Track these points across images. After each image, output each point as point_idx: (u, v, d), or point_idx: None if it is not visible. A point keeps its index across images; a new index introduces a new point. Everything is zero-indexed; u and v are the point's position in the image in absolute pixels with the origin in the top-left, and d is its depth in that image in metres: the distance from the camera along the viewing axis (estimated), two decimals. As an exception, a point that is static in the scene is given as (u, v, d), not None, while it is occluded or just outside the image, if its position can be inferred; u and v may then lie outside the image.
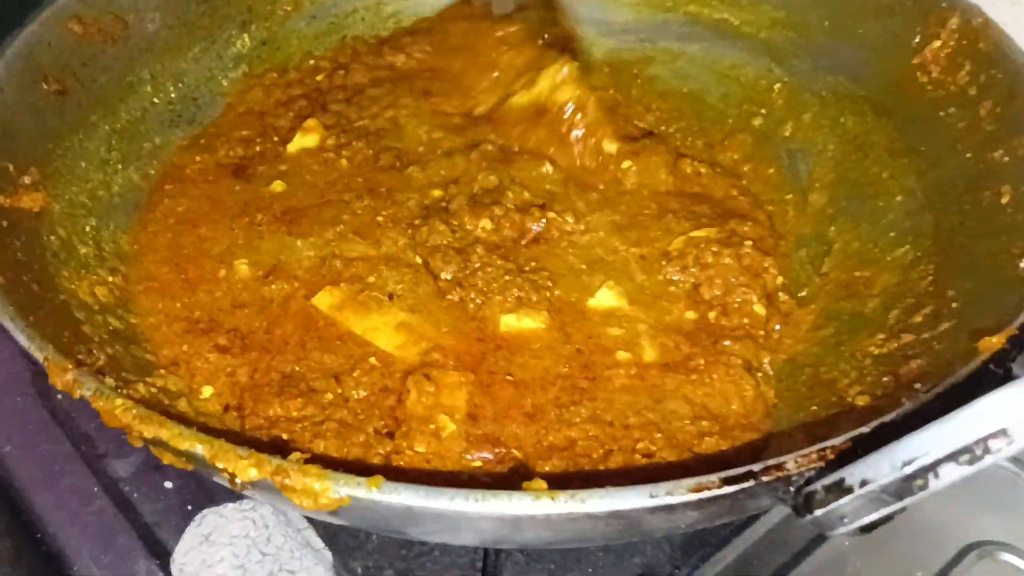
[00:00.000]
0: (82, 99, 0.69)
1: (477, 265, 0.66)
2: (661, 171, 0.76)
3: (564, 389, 0.60)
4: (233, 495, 0.63)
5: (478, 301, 0.64)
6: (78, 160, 0.68)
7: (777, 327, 0.65)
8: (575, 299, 0.65)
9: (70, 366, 0.46)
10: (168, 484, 0.66)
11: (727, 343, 0.63)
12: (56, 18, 0.68)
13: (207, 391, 0.61)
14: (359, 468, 0.51)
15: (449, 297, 0.65)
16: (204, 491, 0.65)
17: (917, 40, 0.70)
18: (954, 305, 0.59)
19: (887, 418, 0.45)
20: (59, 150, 0.66)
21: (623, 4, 0.86)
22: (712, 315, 0.65)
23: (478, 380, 0.59)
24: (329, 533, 0.62)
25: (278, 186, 0.74)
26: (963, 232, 0.62)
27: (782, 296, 0.68)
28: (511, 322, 0.63)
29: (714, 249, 0.67)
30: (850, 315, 0.65)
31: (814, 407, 0.59)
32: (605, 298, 0.65)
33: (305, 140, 0.77)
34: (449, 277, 0.66)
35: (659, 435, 0.56)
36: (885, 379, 0.58)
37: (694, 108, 0.84)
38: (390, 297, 0.65)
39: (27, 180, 0.62)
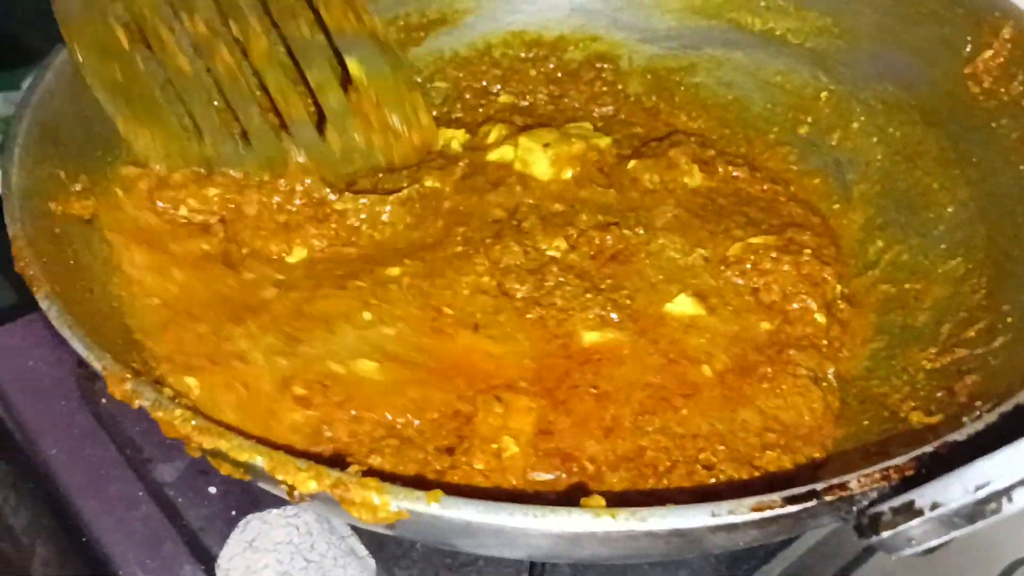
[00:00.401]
0: (131, 105, 0.69)
1: (552, 284, 0.66)
2: (685, 172, 0.76)
3: (650, 398, 0.60)
4: (277, 501, 0.63)
5: (560, 319, 0.64)
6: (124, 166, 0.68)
7: (836, 337, 0.65)
8: (653, 311, 0.65)
9: (128, 376, 0.46)
10: (213, 490, 0.67)
11: (792, 352, 0.63)
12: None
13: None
14: (416, 482, 0.51)
15: (529, 316, 0.65)
16: (249, 497, 0.65)
17: (968, 49, 0.69)
18: (1009, 320, 0.58)
19: (951, 438, 0.44)
20: (108, 157, 0.67)
21: (666, 11, 0.85)
22: (777, 322, 0.65)
23: (552, 401, 0.59)
24: (374, 541, 0.62)
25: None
26: (1017, 245, 0.62)
27: (841, 305, 0.67)
28: (594, 337, 0.63)
29: (773, 255, 0.67)
30: (901, 328, 0.64)
31: (866, 421, 0.59)
32: (684, 305, 0.65)
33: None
34: (524, 296, 0.66)
35: (722, 447, 0.56)
36: (939, 394, 0.57)
37: (738, 116, 0.83)
38: (475, 328, 0.65)
39: (78, 187, 0.62)
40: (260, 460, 0.43)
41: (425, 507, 0.41)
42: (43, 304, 0.50)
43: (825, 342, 0.64)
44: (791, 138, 0.81)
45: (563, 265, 0.68)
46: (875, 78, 0.76)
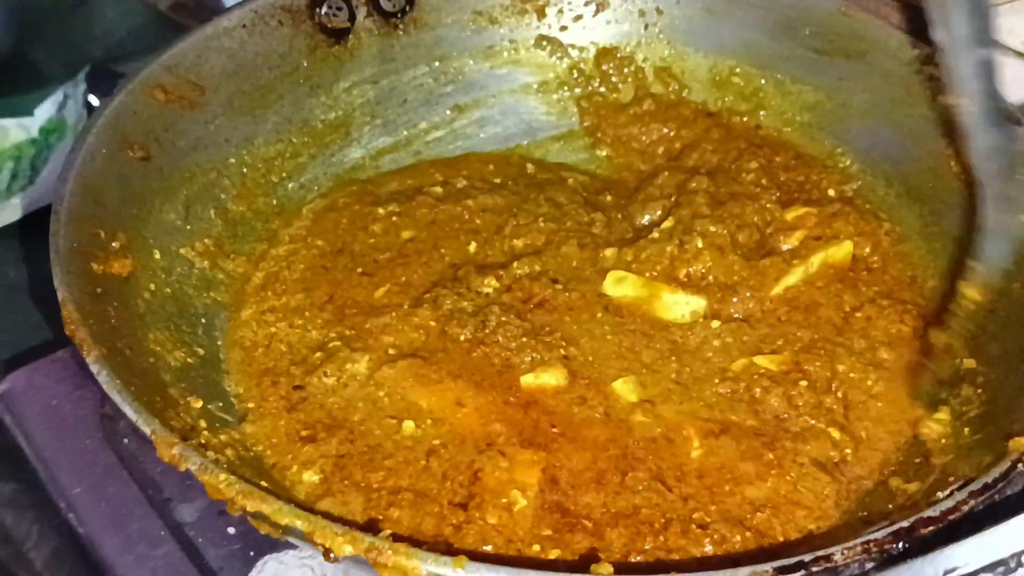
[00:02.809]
0: (163, 164, 0.73)
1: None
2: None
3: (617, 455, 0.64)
4: (293, 544, 0.66)
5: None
6: (159, 223, 0.71)
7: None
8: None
9: (176, 441, 0.49)
10: (232, 530, 0.69)
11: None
12: (143, 87, 0.73)
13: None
14: (439, 543, 0.55)
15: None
16: (266, 538, 0.67)
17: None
18: (980, 391, 0.63)
19: (926, 514, 0.49)
20: (142, 214, 0.70)
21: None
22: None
23: (550, 458, 0.63)
24: (386, 584, 0.66)
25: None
26: (993, 320, 0.66)
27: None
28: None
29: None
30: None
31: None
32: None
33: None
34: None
35: (713, 507, 0.60)
36: (916, 460, 0.62)
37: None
38: None
39: (116, 245, 0.66)
40: (299, 524, 0.47)
41: (451, 572, 0.45)
42: (93, 368, 0.53)
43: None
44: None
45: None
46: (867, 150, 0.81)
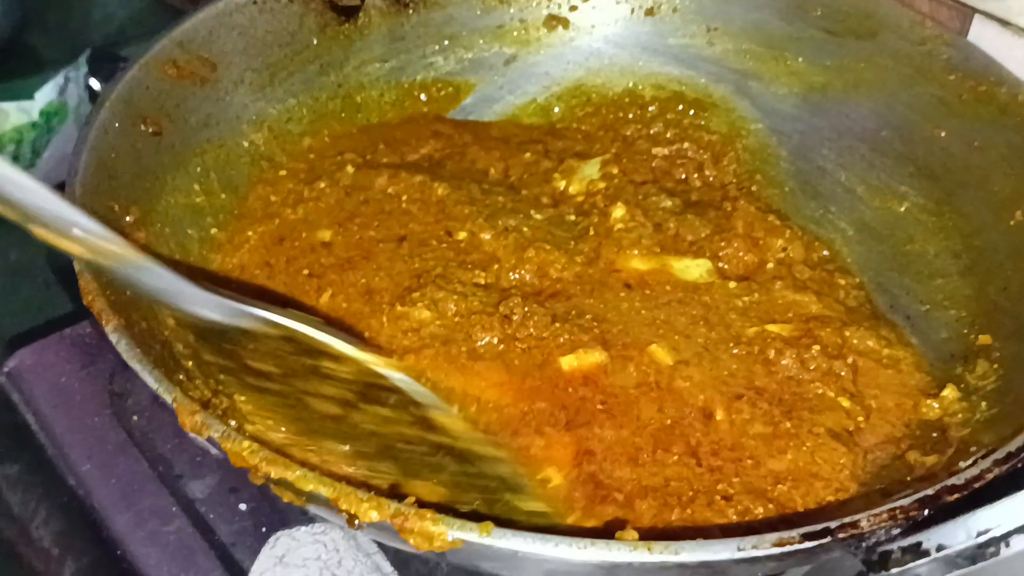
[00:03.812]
0: (175, 139, 0.73)
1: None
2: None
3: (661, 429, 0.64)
4: (305, 518, 0.66)
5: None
6: (172, 199, 0.71)
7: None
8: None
9: (198, 408, 0.49)
10: (243, 506, 0.69)
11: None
12: (155, 61, 0.72)
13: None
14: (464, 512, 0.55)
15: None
16: (277, 513, 0.68)
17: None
18: (996, 366, 0.63)
19: (950, 482, 0.49)
20: (155, 190, 0.70)
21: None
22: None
23: (588, 433, 0.63)
24: (399, 558, 0.65)
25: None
26: (1006, 297, 0.67)
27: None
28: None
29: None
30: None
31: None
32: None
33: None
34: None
35: (736, 480, 0.60)
36: (934, 435, 0.62)
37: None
38: None
39: (129, 219, 0.66)
40: (324, 490, 0.47)
41: (477, 537, 0.45)
42: (112, 338, 0.53)
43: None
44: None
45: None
46: (874, 130, 0.81)
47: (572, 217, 0.79)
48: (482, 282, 0.72)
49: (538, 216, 0.77)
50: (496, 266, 0.73)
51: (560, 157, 0.85)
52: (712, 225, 0.77)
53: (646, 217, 0.77)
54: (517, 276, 0.72)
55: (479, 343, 0.68)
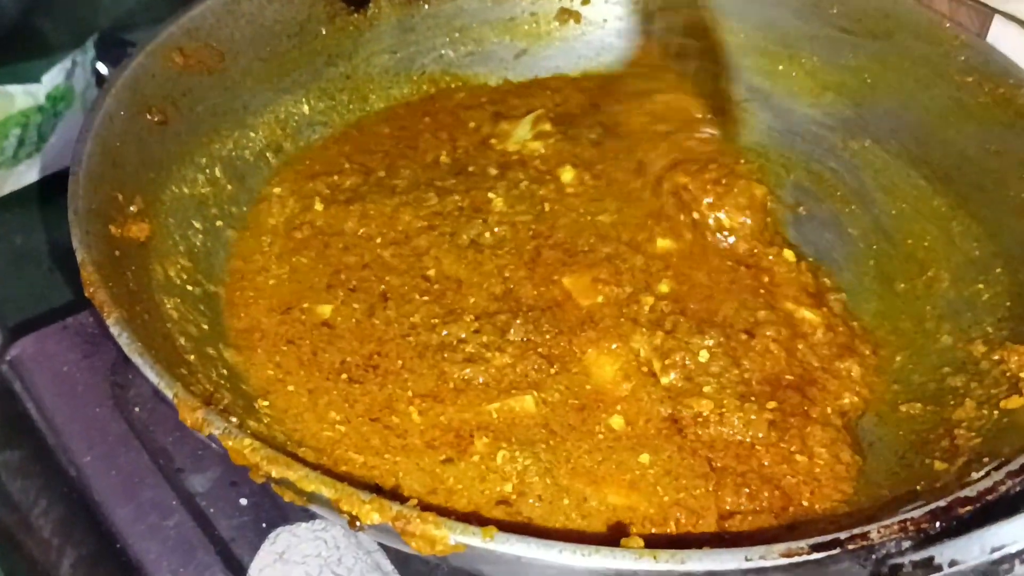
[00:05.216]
0: (181, 129, 0.72)
1: None
2: None
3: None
4: (306, 514, 0.65)
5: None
6: (177, 189, 0.70)
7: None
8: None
9: (199, 405, 0.48)
10: (243, 501, 0.68)
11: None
12: (161, 49, 0.71)
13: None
14: (466, 515, 0.54)
15: None
16: (278, 509, 0.67)
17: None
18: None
19: (962, 494, 0.48)
20: (160, 179, 0.69)
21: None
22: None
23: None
24: (400, 557, 0.64)
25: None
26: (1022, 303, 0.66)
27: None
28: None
29: None
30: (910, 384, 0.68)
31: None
32: None
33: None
34: None
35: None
36: (944, 443, 0.61)
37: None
38: None
39: (133, 209, 0.65)
40: (325, 491, 0.46)
41: (480, 542, 0.45)
42: (113, 330, 0.52)
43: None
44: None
45: None
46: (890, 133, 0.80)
47: (525, 184, 0.79)
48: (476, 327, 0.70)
49: (498, 200, 0.77)
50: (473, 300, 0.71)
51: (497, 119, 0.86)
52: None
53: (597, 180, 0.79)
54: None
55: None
